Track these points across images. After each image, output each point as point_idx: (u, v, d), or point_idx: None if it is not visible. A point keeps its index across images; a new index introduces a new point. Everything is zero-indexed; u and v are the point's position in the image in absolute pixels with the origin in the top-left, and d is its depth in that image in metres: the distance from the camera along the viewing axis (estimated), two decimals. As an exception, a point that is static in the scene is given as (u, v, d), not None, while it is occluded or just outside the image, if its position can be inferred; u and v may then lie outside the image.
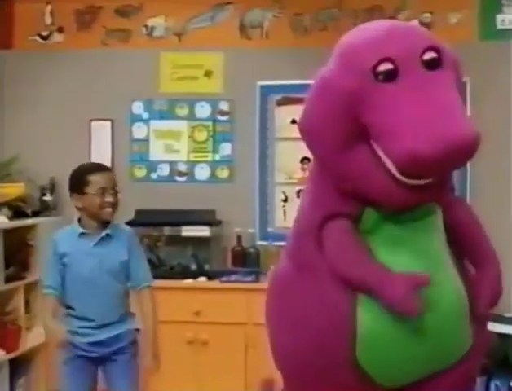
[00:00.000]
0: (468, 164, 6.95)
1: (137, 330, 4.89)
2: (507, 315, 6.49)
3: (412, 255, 3.93)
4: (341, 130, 3.96)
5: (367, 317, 4.02)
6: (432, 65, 3.93)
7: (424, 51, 3.87)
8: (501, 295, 4.16)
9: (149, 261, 6.57)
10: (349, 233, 3.87)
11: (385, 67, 3.80)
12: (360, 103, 3.84)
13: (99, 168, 4.74)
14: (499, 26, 6.93)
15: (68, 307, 4.70)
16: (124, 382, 4.77)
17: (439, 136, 3.83)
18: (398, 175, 3.86)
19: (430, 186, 4.00)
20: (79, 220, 4.56)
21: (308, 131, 4.14)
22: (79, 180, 4.59)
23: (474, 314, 3.80)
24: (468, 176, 7.16)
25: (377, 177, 3.92)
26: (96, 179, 4.53)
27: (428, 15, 6.92)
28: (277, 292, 4.26)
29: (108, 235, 4.53)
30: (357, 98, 3.84)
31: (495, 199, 6.82)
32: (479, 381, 6.47)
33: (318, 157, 4.23)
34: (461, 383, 4.19)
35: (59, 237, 4.71)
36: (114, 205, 4.56)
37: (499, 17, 6.85)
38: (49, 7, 7.23)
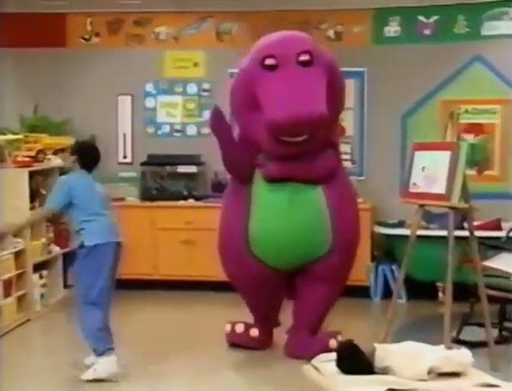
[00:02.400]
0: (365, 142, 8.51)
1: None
2: (390, 222, 8.20)
3: (287, 195, 5.74)
4: (243, 98, 5.70)
5: (255, 221, 5.87)
6: (305, 64, 5.50)
7: (300, 53, 5.47)
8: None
9: (155, 189, 8.34)
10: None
11: (269, 61, 5.46)
12: (254, 83, 5.55)
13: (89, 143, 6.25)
14: (386, 35, 8.53)
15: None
16: None
17: (290, 110, 5.36)
18: (278, 138, 5.48)
19: (298, 143, 5.63)
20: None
21: (230, 95, 5.78)
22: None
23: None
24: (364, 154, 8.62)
25: (264, 133, 5.58)
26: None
27: (340, 26, 8.49)
28: (222, 202, 6.30)
29: None
30: (252, 79, 5.55)
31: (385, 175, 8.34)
32: (371, 265, 8.15)
33: (232, 113, 5.84)
34: (329, 270, 5.94)
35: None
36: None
37: (386, 29, 8.49)
38: (89, 19, 8.76)
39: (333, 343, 5.88)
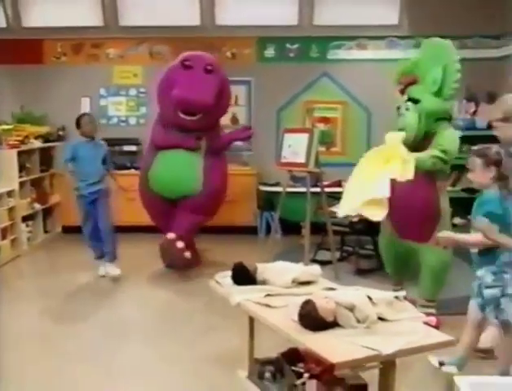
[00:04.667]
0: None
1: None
2: (270, 182, 8.37)
3: (174, 155, 6.27)
4: (166, 85, 6.34)
5: (154, 164, 6.38)
6: (208, 71, 6.29)
7: (207, 64, 6.30)
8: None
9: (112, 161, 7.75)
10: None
11: (187, 63, 6.28)
12: (174, 74, 6.36)
13: (82, 115, 6.39)
14: (266, 56, 8.88)
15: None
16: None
17: (187, 93, 6.10)
18: (180, 114, 6.19)
19: (191, 122, 6.28)
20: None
21: (157, 84, 6.37)
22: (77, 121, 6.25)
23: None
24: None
25: (172, 113, 6.24)
26: (85, 120, 6.23)
27: (235, 49, 8.80)
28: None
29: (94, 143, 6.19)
30: (174, 72, 6.35)
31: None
32: (258, 212, 8.33)
33: (157, 97, 6.39)
34: (196, 205, 6.38)
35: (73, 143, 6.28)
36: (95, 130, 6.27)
37: (265, 51, 8.85)
38: (59, 43, 8.83)
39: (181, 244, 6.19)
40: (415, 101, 5.09)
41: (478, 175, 3.65)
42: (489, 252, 3.53)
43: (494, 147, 3.76)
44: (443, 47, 5.14)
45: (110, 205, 6.27)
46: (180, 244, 6.14)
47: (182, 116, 6.33)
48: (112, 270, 6.28)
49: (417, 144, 4.93)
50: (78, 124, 6.21)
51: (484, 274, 3.55)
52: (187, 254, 6.22)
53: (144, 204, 6.86)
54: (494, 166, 3.59)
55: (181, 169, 6.46)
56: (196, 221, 6.58)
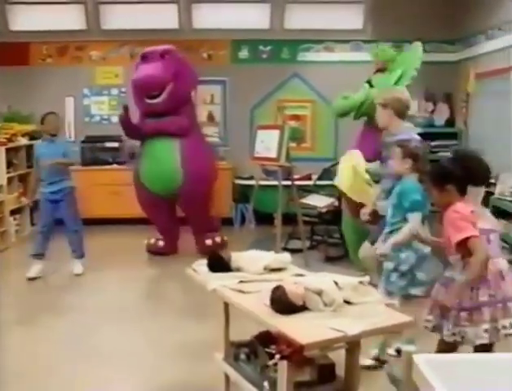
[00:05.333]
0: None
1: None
2: (244, 176, 8.35)
3: (155, 145, 6.30)
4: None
5: (143, 164, 6.40)
6: (162, 56, 6.34)
7: (162, 52, 6.34)
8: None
9: (91, 158, 8.29)
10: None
11: (143, 55, 6.53)
12: (136, 69, 6.33)
13: (48, 113, 5.97)
14: (240, 57, 8.67)
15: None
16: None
17: (139, 75, 6.24)
18: (146, 100, 6.24)
19: (155, 104, 6.30)
20: (43, 136, 5.97)
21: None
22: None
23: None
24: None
25: (140, 102, 6.34)
26: (49, 118, 5.94)
27: (211, 51, 8.73)
28: None
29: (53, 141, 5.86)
30: (135, 68, 6.35)
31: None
32: (233, 204, 8.38)
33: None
34: (186, 196, 6.47)
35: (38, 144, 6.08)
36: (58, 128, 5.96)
37: (239, 53, 8.74)
38: (45, 46, 8.74)
39: (209, 241, 6.60)
40: (371, 85, 5.60)
41: (397, 164, 3.70)
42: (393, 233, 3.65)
43: (415, 141, 3.86)
44: (406, 53, 5.78)
45: (75, 202, 6.04)
46: (217, 239, 6.69)
47: (148, 101, 6.38)
48: (77, 267, 6.06)
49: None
50: (42, 120, 5.96)
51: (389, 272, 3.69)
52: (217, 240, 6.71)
53: (138, 199, 6.93)
54: (410, 158, 3.64)
55: (162, 161, 6.50)
56: (199, 212, 6.77)
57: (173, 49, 6.54)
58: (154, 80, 6.18)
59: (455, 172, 3.05)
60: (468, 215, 2.98)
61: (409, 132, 4.25)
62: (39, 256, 5.96)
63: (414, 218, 3.56)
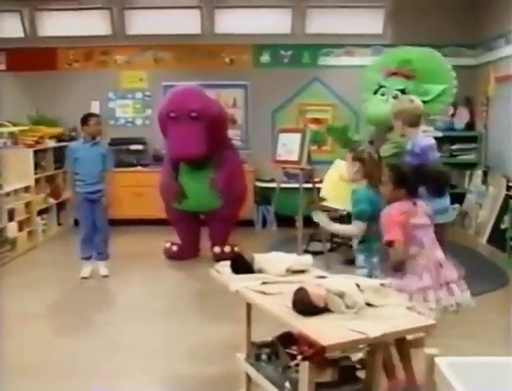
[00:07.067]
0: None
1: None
2: (266, 179, 8.37)
3: (195, 180, 6.18)
4: (161, 129, 6.28)
5: (183, 180, 6.27)
6: (194, 119, 6.02)
7: (190, 111, 5.95)
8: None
9: (116, 160, 7.61)
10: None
11: (171, 114, 6.03)
12: (164, 124, 6.15)
13: (92, 115, 6.05)
14: (261, 61, 8.87)
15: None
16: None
17: (178, 151, 6.05)
18: None
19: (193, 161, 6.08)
20: (84, 137, 5.85)
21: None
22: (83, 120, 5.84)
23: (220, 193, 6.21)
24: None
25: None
26: (93, 120, 5.86)
27: (233, 55, 8.71)
28: (161, 169, 6.63)
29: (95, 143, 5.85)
30: (164, 122, 6.14)
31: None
32: (255, 206, 8.35)
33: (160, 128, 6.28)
34: (221, 216, 6.46)
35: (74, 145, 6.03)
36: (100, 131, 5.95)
37: (261, 57, 8.82)
38: (72, 51, 8.82)
39: (228, 248, 6.52)
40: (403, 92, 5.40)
41: (347, 167, 3.78)
42: (364, 242, 3.68)
43: (365, 146, 3.92)
44: (446, 69, 5.55)
45: (108, 205, 5.98)
46: (227, 249, 6.53)
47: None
48: (103, 270, 6.06)
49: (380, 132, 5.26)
50: (86, 121, 5.81)
51: (358, 256, 3.72)
52: (230, 249, 6.56)
53: (168, 214, 6.92)
54: (358, 162, 3.68)
55: (199, 188, 6.53)
56: (225, 229, 6.76)
57: (200, 106, 6.26)
58: (194, 157, 6.20)
59: (410, 180, 3.35)
60: (397, 219, 3.27)
61: (425, 137, 4.29)
62: (87, 258, 6.06)
63: (357, 225, 3.63)
